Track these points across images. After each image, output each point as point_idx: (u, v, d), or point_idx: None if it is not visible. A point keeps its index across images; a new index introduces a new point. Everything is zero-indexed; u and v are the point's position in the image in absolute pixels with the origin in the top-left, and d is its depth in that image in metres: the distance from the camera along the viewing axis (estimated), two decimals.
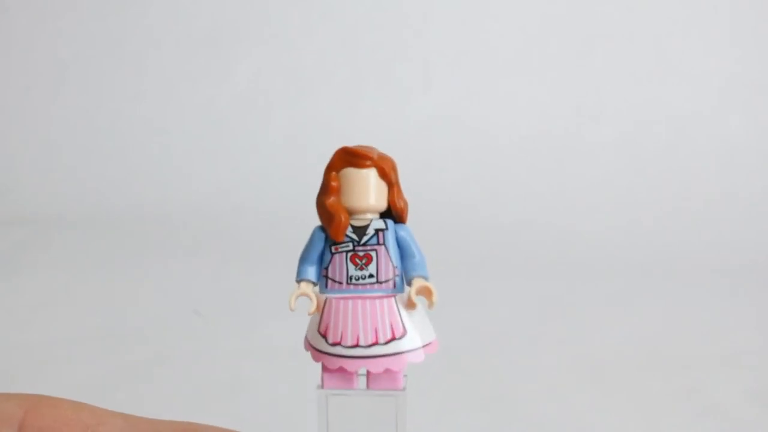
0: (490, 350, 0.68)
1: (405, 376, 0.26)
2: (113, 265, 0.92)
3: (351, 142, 0.27)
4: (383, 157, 0.26)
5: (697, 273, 0.92)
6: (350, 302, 0.26)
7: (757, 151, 1.15)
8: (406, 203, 0.27)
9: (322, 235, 0.26)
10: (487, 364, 0.65)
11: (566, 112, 1.20)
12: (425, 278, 0.26)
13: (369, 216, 0.26)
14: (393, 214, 0.27)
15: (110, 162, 1.22)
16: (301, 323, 0.28)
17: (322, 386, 0.26)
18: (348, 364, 0.25)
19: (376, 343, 0.25)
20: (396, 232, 0.26)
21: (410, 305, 0.26)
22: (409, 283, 0.26)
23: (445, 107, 1.22)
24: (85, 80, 1.29)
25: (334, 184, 0.26)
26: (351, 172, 0.26)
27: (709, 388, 0.62)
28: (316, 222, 0.27)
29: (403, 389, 0.26)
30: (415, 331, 0.26)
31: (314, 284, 0.26)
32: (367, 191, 0.26)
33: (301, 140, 1.21)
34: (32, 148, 1.25)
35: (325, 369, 0.26)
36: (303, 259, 0.27)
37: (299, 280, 0.26)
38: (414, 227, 0.28)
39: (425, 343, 0.26)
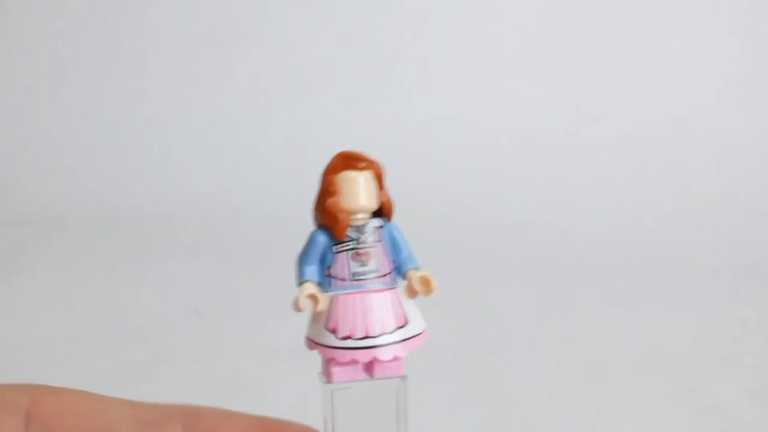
0: (490, 350, 0.68)
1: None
2: (113, 265, 0.92)
3: (351, 143, 0.28)
4: (374, 161, 0.28)
5: (697, 273, 0.92)
6: (357, 296, 0.27)
7: (757, 151, 1.15)
8: (392, 202, 0.28)
9: (321, 237, 0.27)
10: (487, 364, 0.65)
11: (566, 112, 1.20)
12: (418, 269, 0.28)
13: (364, 215, 0.27)
14: (383, 212, 0.28)
15: (110, 162, 1.22)
16: (301, 323, 0.28)
17: (329, 381, 0.27)
18: (359, 356, 0.26)
19: (384, 333, 0.27)
20: (389, 230, 0.28)
21: (412, 294, 0.28)
22: (404, 276, 0.28)
23: (445, 107, 1.22)
24: (85, 80, 1.29)
25: (333, 187, 0.27)
26: (349, 175, 0.27)
27: (709, 388, 0.62)
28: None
29: (405, 375, 0.28)
30: (415, 320, 0.27)
31: (317, 284, 0.27)
32: (364, 191, 0.27)
33: (301, 140, 1.21)
34: (32, 148, 1.25)
35: (334, 363, 0.27)
36: (303, 261, 0.27)
37: (302, 282, 0.27)
38: (414, 227, 0.29)
39: (421, 330, 0.28)
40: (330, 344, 0.27)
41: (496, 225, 1.05)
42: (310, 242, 0.28)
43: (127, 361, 0.64)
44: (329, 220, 0.27)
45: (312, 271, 0.27)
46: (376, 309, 0.27)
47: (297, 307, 0.27)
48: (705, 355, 0.68)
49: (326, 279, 0.27)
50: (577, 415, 0.57)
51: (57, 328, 0.71)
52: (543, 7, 1.23)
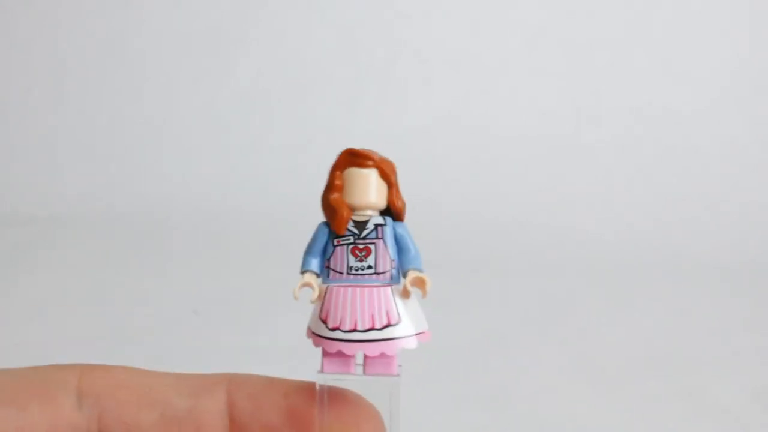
0: (490, 350, 0.68)
1: (399, 365, 0.28)
2: (113, 265, 0.92)
3: (351, 143, 0.28)
4: (383, 160, 0.28)
5: (697, 273, 0.92)
6: (349, 290, 0.27)
7: (757, 151, 1.15)
8: (404, 203, 0.29)
9: (326, 230, 0.28)
10: (487, 364, 0.65)
11: (566, 112, 1.20)
12: (420, 270, 0.28)
13: (369, 212, 0.28)
14: (392, 212, 0.28)
15: (110, 162, 1.22)
16: (300, 323, 0.29)
17: (321, 370, 0.28)
18: (346, 348, 0.27)
19: (372, 328, 0.27)
20: (394, 229, 0.28)
21: (405, 294, 0.28)
22: (405, 275, 0.28)
23: (445, 108, 1.22)
24: (85, 80, 1.29)
25: (338, 182, 0.28)
26: (354, 172, 0.28)
27: (709, 388, 0.62)
28: (315, 221, 0.28)
29: (398, 375, 0.28)
30: (409, 320, 0.27)
31: (317, 275, 0.28)
32: (368, 189, 0.28)
33: (301, 140, 1.21)
34: (32, 148, 1.25)
35: (325, 354, 0.27)
36: (307, 252, 0.28)
37: (303, 272, 0.28)
38: (414, 227, 0.29)
39: (418, 332, 0.28)
40: (320, 333, 0.27)
41: (497, 225, 1.05)
42: (315, 234, 0.28)
43: (127, 360, 0.64)
44: (330, 213, 0.28)
45: (313, 262, 0.28)
46: (366, 304, 0.27)
47: (294, 296, 0.27)
48: (705, 355, 0.68)
49: (325, 270, 0.28)
50: (578, 415, 0.57)
51: (56, 328, 0.71)
52: (543, 7, 1.23)
